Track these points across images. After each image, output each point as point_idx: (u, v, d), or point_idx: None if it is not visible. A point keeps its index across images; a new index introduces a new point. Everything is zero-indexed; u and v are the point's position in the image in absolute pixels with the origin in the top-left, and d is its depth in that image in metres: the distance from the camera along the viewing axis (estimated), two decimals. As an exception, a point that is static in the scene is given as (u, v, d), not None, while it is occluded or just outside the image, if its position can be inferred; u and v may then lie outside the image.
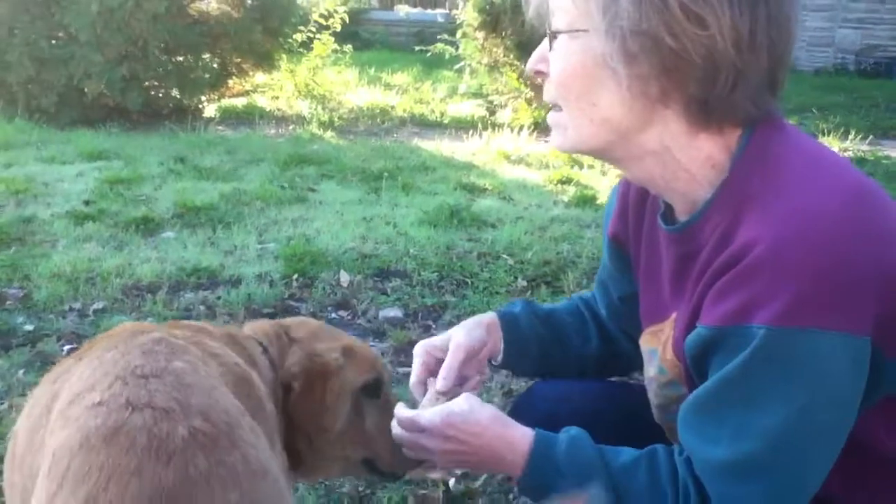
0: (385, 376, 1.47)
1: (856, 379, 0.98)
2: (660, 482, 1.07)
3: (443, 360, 1.35)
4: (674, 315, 1.17)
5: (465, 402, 1.18)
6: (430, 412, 1.19)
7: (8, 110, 6.72)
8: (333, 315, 3.23)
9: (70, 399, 1.02)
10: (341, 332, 1.54)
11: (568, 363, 1.47)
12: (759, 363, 0.98)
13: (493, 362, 1.45)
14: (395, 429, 1.25)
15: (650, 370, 1.24)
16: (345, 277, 3.56)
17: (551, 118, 1.13)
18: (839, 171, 1.04)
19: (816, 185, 1.01)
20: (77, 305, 3.18)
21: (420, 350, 1.41)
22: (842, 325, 0.94)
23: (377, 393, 1.43)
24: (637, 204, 1.29)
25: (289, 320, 1.52)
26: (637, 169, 1.12)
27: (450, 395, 1.28)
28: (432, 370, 1.36)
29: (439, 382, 1.31)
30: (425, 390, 1.35)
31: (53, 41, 6.87)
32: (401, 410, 1.25)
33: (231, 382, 1.14)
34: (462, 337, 1.36)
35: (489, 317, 1.44)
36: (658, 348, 1.21)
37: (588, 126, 1.07)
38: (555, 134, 1.14)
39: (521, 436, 1.14)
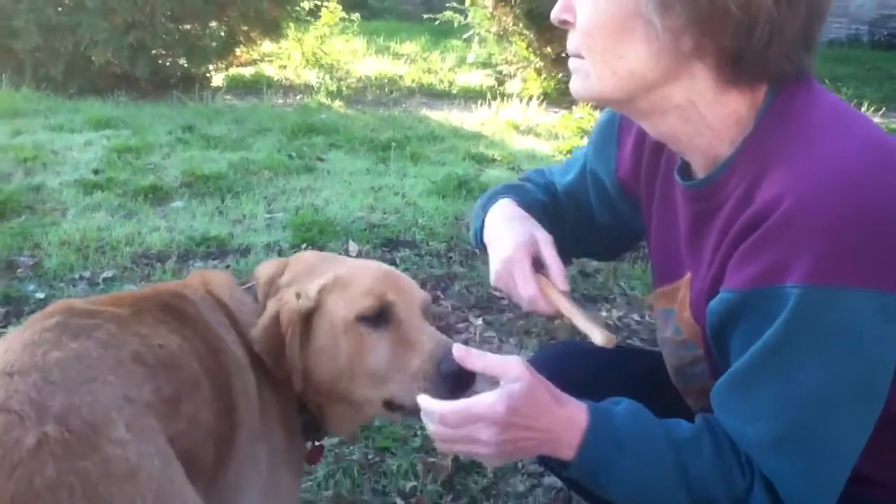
0: (394, 302, 1.28)
1: (891, 338, 0.95)
2: (725, 454, 1.03)
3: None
4: (688, 274, 1.16)
5: (521, 378, 1.03)
6: (487, 399, 1.02)
7: (15, 79, 6.68)
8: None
9: None
10: (342, 259, 1.40)
11: (577, 228, 1.44)
12: (795, 327, 0.94)
13: None
14: (431, 426, 1.07)
15: (666, 331, 1.23)
16: (353, 247, 3.57)
17: (573, 64, 1.08)
18: (863, 126, 1.02)
19: (841, 139, 0.98)
20: (87, 274, 3.20)
21: (512, 264, 1.24)
22: (875, 282, 0.92)
23: (381, 322, 1.27)
24: (652, 157, 1.26)
25: (296, 256, 1.42)
26: (660, 123, 1.09)
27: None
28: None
29: (562, 284, 1.21)
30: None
31: (60, 8, 6.81)
32: (434, 403, 1.07)
33: (147, 365, 1.06)
34: (541, 231, 1.27)
35: (512, 206, 1.35)
36: (675, 308, 1.20)
37: (611, 77, 1.04)
38: (575, 79, 1.09)
39: (577, 409, 1.04)
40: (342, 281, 1.30)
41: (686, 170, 1.16)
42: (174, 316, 1.19)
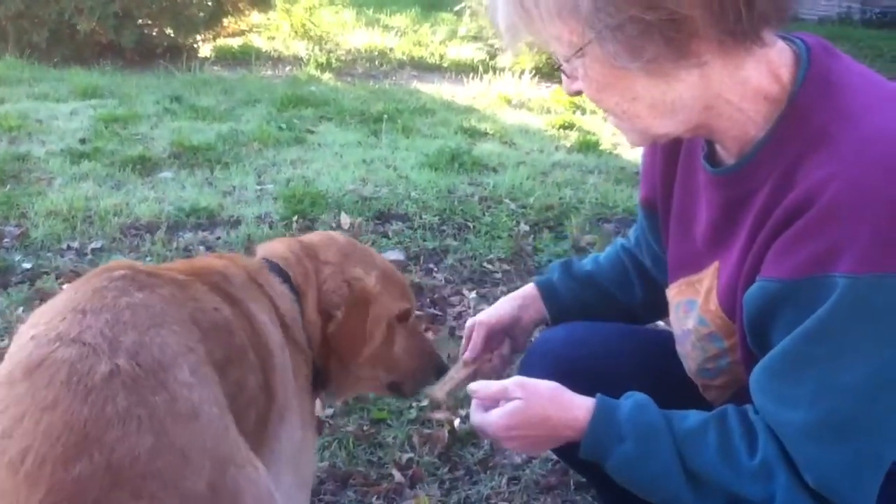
0: (414, 303, 1.50)
1: None
2: (731, 441, 1.03)
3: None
4: (716, 264, 1.13)
5: (520, 395, 1.14)
6: (490, 417, 1.15)
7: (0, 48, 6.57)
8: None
9: (17, 346, 1.02)
10: (370, 250, 1.52)
11: (614, 316, 1.50)
12: (842, 315, 0.93)
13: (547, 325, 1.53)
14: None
15: (688, 322, 1.20)
16: (345, 220, 3.53)
17: (613, 123, 1.12)
18: None
19: (884, 113, 0.96)
20: (75, 244, 3.15)
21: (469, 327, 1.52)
22: None
23: (407, 319, 1.47)
24: (667, 157, 1.25)
25: (313, 238, 1.48)
26: (702, 129, 1.08)
27: (477, 365, 1.47)
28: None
29: (466, 354, 1.47)
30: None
31: (43, -25, 6.67)
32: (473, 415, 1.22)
33: (202, 328, 1.11)
34: (484, 315, 1.50)
35: (527, 289, 1.53)
36: (698, 299, 1.17)
37: (644, 119, 1.05)
38: (628, 137, 1.12)
39: (583, 406, 1.12)
40: (387, 278, 1.44)
41: (713, 156, 1.14)
42: (222, 295, 1.23)
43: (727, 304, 1.10)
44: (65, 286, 1.15)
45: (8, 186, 3.64)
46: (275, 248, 1.43)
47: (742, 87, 1.02)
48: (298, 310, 1.34)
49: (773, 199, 1.00)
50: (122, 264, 1.17)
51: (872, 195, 0.90)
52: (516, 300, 1.53)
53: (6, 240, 3.15)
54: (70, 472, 0.83)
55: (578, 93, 1.07)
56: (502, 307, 1.52)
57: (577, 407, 1.11)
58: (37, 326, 1.01)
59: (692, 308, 1.18)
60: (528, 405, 1.13)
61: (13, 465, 0.84)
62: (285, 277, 1.36)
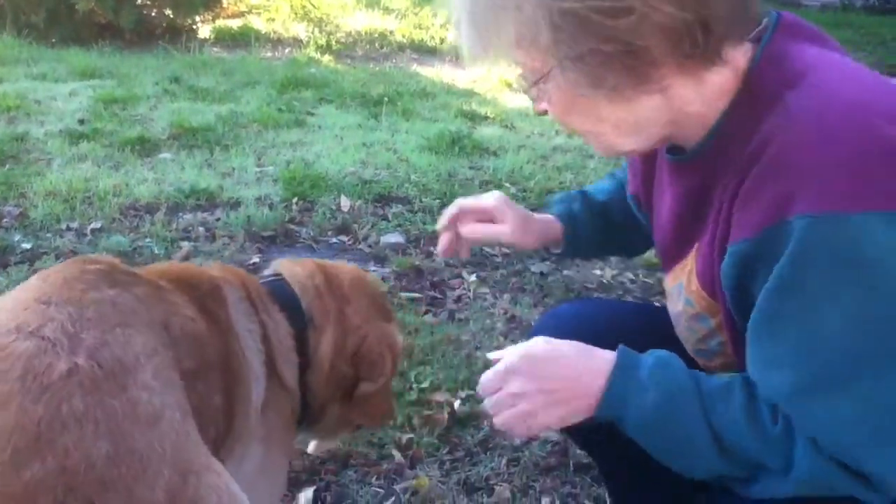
0: None
1: None
2: (757, 404, 0.98)
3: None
4: (696, 245, 1.13)
5: (544, 344, 1.09)
6: (509, 352, 1.10)
7: (-4, 27, 6.50)
8: (334, 240, 3.21)
9: None
10: (383, 294, 1.49)
11: (616, 248, 1.56)
12: (805, 261, 0.89)
13: (552, 250, 1.48)
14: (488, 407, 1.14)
15: (678, 305, 1.19)
16: (345, 202, 3.53)
17: (583, 138, 1.13)
18: (856, 66, 1.01)
19: (834, 73, 0.96)
20: (74, 225, 3.14)
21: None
22: (885, 203, 0.86)
23: None
24: (645, 156, 1.26)
25: (340, 274, 1.39)
26: (669, 138, 1.09)
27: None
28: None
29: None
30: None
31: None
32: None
33: (173, 335, 1.06)
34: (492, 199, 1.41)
35: (545, 215, 1.46)
36: (682, 280, 1.17)
37: (609, 138, 1.07)
38: (596, 150, 1.14)
39: (606, 356, 1.06)
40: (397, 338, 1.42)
41: (676, 146, 1.14)
42: (202, 308, 1.18)
43: (706, 281, 1.09)
44: (36, 273, 1.10)
45: (7, 167, 3.62)
46: (294, 270, 1.35)
47: (704, 94, 1.02)
48: (293, 345, 1.28)
49: (733, 171, 0.99)
50: (104, 259, 1.12)
51: (818, 139, 0.89)
52: (530, 217, 1.43)
53: (5, 220, 3.15)
54: (21, 476, 0.79)
55: (545, 112, 1.09)
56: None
57: (601, 357, 1.05)
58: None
59: (681, 290, 1.18)
60: (553, 345, 1.08)
61: None
62: (293, 305, 1.29)
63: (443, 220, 1.42)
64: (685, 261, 1.16)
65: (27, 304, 0.97)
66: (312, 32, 7.87)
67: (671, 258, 1.21)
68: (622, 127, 1.04)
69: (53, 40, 6.48)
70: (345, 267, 1.45)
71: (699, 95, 1.01)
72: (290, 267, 1.36)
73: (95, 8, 6.54)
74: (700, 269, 1.11)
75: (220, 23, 7.91)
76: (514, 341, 2.43)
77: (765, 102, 0.97)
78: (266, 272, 1.43)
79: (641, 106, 1.01)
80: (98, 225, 3.14)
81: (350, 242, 3.19)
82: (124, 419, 0.87)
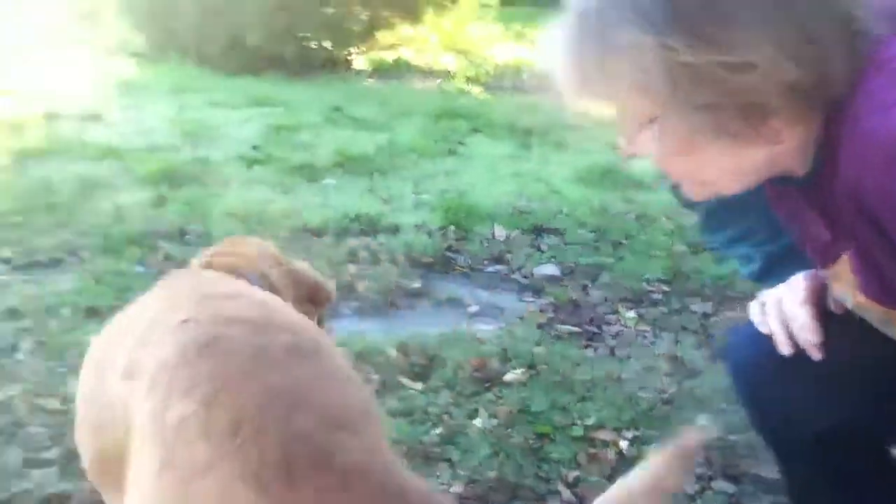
0: None
1: None
2: None
3: None
4: (845, 257, 1.10)
5: None
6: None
7: (179, 57, 7.08)
8: (490, 269, 3.26)
9: (147, 325, 1.04)
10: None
11: None
12: None
13: None
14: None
15: (866, 314, 1.17)
16: (500, 232, 3.58)
17: (679, 180, 1.12)
18: None
19: None
20: (251, 244, 3.36)
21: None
22: None
23: None
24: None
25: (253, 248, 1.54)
26: (771, 174, 1.08)
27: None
28: None
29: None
30: None
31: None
32: None
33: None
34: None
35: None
36: (848, 294, 1.15)
37: (712, 183, 1.07)
38: (687, 191, 1.13)
39: None
40: None
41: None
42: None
43: (872, 291, 1.08)
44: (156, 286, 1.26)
45: (191, 188, 3.93)
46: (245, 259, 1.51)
47: (811, 134, 1.02)
48: None
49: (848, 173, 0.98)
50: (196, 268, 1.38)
51: None
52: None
53: (188, 236, 3.41)
54: (290, 427, 0.87)
55: (634, 155, 1.08)
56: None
57: None
58: (174, 311, 1.04)
59: (847, 299, 1.17)
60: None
61: (227, 433, 0.84)
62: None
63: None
64: (836, 268, 1.14)
65: (200, 299, 1.09)
66: (462, 64, 8.09)
67: (821, 263, 1.19)
68: (729, 172, 1.04)
69: (228, 70, 6.99)
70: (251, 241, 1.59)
71: (808, 136, 1.01)
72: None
73: (264, 41, 7.01)
74: (862, 283, 1.09)
75: (374, 54, 8.28)
76: (679, 383, 2.38)
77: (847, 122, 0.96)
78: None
79: (751, 152, 1.01)
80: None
81: (505, 272, 3.23)
82: (341, 381, 1.01)
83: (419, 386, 2.30)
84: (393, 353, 2.45)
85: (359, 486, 0.86)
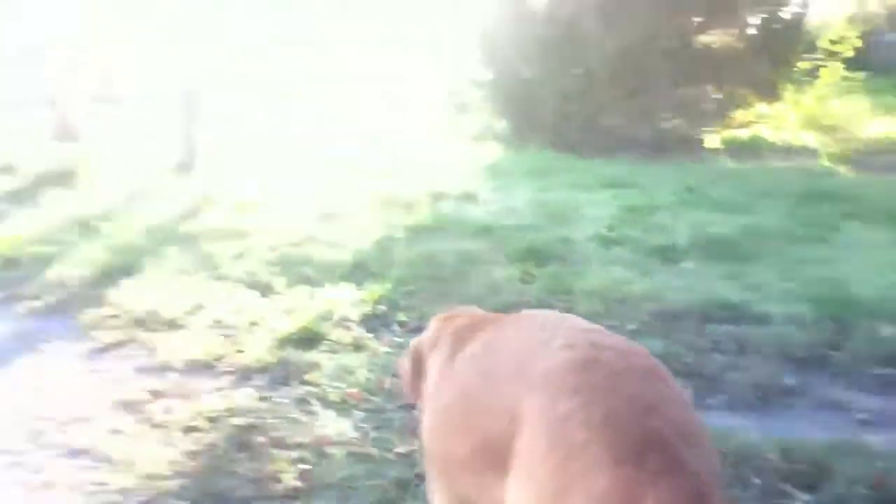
0: None
1: None
2: None
3: None
4: None
5: None
6: None
7: (538, 140, 7.57)
8: (876, 371, 2.95)
9: (527, 346, 1.33)
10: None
11: None
12: None
13: None
14: None
15: None
16: (887, 329, 3.23)
17: None
18: None
19: None
20: (613, 324, 3.42)
21: None
22: None
23: None
24: None
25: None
26: None
27: None
28: None
29: None
30: None
31: (574, 77, 7.59)
32: None
33: None
34: None
35: None
36: None
37: None
38: None
39: None
40: None
41: None
42: None
43: None
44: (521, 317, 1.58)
45: (554, 266, 4.15)
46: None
47: None
48: None
49: None
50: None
51: None
52: None
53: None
54: (647, 425, 1.12)
55: None
56: None
57: None
58: (554, 339, 1.30)
59: None
60: None
61: (600, 424, 1.12)
62: None
63: None
64: None
65: (563, 329, 1.38)
66: (824, 141, 7.53)
67: None
68: None
69: (583, 153, 7.32)
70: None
71: None
72: None
73: (619, 123, 7.25)
74: None
75: (728, 133, 8.08)
76: None
77: None
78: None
79: None
80: (634, 326, 3.37)
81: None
82: (682, 399, 1.24)
83: (806, 497, 2.14)
84: (773, 456, 2.31)
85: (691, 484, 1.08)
